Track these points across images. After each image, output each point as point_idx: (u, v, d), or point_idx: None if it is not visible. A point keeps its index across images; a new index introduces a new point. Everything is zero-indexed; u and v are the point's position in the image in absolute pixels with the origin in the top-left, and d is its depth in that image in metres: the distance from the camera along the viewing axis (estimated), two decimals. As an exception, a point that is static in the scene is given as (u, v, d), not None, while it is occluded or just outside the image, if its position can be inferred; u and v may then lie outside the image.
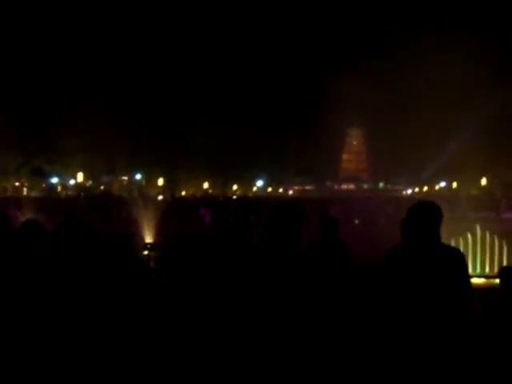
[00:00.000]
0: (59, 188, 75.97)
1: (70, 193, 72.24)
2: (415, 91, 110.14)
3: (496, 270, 12.69)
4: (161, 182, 74.86)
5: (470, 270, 11.18)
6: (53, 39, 78.89)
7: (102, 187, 73.20)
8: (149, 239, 20.93)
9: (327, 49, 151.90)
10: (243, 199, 51.52)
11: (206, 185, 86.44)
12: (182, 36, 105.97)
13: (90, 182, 66.54)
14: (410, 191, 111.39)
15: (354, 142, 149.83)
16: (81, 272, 4.14)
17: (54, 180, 73.88)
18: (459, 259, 4.69)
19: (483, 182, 69.25)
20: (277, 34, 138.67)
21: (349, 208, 36.59)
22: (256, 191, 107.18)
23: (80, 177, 59.45)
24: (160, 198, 57.40)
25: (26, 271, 5.03)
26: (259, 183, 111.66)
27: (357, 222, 33.56)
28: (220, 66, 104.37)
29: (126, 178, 79.97)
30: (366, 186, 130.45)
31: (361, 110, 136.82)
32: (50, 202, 43.96)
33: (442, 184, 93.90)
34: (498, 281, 6.65)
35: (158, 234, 22.10)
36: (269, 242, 4.53)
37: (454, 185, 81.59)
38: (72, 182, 73.56)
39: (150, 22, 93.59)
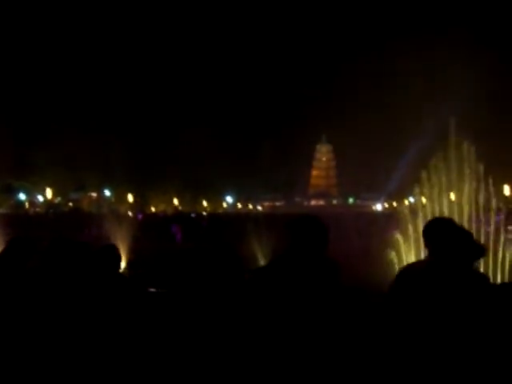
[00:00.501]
0: (27, 205, 75.17)
1: (37, 209, 71.43)
2: (385, 107, 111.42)
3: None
4: (130, 198, 74.37)
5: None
6: (22, 53, 78.34)
7: (70, 204, 72.50)
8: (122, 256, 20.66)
9: (296, 67, 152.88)
10: (216, 216, 51.47)
11: (175, 201, 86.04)
12: (146, 61, 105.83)
13: (58, 199, 65.81)
14: (379, 206, 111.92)
15: (324, 158, 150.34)
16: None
17: (22, 196, 73.09)
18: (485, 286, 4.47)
19: (452, 197, 69.76)
20: (246, 52, 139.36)
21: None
22: (226, 208, 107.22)
23: (49, 193, 58.72)
24: (130, 214, 57.03)
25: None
26: (229, 199, 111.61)
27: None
28: (189, 81, 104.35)
29: (94, 194, 79.34)
30: (335, 202, 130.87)
31: (330, 125, 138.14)
32: (18, 218, 43.51)
33: (411, 199, 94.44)
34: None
35: (131, 251, 21.92)
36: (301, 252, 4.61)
37: (423, 200, 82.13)
38: (40, 198, 72.81)
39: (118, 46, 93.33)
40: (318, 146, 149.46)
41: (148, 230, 33.32)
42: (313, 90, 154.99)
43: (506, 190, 56.42)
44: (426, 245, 4.72)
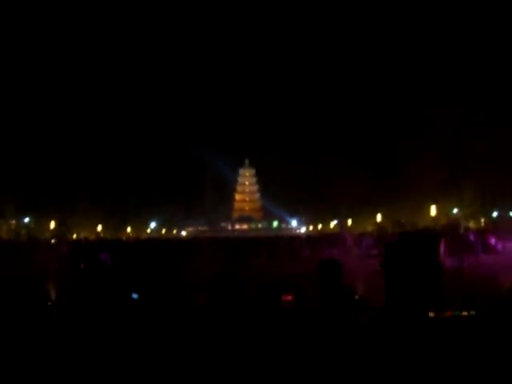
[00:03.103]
0: None
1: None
2: (308, 129, 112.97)
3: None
4: (52, 224, 72.23)
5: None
6: None
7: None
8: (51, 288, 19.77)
9: (219, 91, 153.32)
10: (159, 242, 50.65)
11: (99, 227, 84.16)
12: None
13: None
14: (303, 230, 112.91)
15: (246, 182, 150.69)
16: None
17: None
18: None
19: (378, 218, 70.99)
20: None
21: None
22: (150, 233, 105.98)
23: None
24: (53, 241, 55.31)
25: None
26: (152, 225, 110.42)
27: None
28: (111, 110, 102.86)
29: (13, 221, 76.77)
30: (260, 226, 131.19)
31: (253, 150, 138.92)
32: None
33: (335, 222, 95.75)
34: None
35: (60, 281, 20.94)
36: None
37: (349, 222, 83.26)
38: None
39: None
40: (241, 170, 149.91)
41: (76, 259, 32.21)
42: (235, 114, 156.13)
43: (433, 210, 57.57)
44: None
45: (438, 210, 56.97)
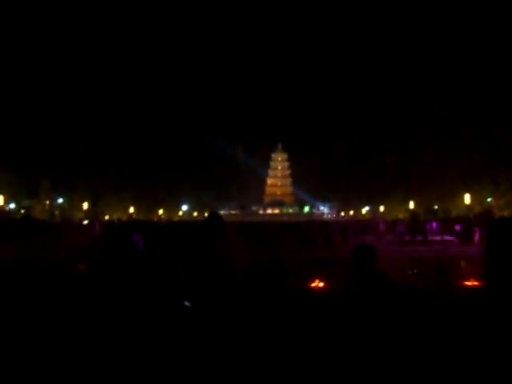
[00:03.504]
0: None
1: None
2: (341, 116, 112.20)
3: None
4: (85, 205, 72.80)
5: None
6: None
7: (22, 211, 70.63)
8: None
9: (255, 78, 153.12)
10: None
11: (131, 209, 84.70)
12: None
13: (11, 206, 63.96)
14: (334, 216, 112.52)
15: (279, 167, 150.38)
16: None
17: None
18: None
19: (411, 205, 70.37)
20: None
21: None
22: (182, 215, 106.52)
23: (0, 200, 56.87)
24: (85, 222, 55.74)
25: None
26: (184, 208, 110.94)
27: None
28: (146, 92, 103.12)
29: (47, 201, 77.48)
30: (291, 211, 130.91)
31: (286, 134, 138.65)
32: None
33: (367, 208, 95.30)
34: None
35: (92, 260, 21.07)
36: None
37: (381, 208, 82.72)
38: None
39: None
40: (274, 155, 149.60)
41: (108, 239, 32.38)
42: (269, 99, 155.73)
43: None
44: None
45: (472, 198, 56.14)
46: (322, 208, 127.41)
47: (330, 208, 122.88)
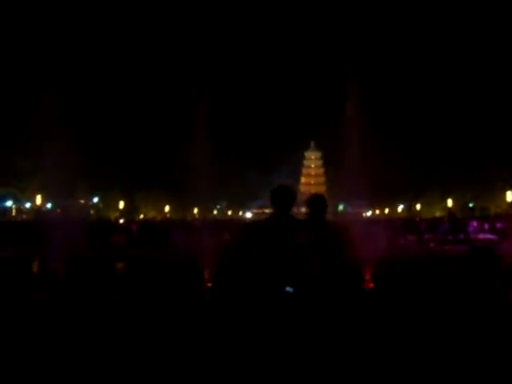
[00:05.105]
0: (13, 211, 73.66)
1: (24, 216, 69.88)
2: (373, 111, 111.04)
3: None
4: (121, 205, 73.07)
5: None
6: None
7: (59, 210, 71.23)
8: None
9: (287, 75, 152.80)
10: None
11: (167, 208, 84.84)
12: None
13: (48, 205, 64.47)
14: (369, 213, 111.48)
15: (312, 165, 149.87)
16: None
17: (9, 203, 71.62)
18: None
19: (449, 203, 69.36)
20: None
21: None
22: (216, 214, 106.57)
23: (38, 200, 57.36)
24: (121, 221, 55.96)
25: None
26: (219, 206, 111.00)
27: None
28: (171, 88, 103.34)
29: (83, 201, 78.05)
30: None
31: (318, 131, 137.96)
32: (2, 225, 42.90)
33: (401, 206, 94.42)
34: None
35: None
36: None
37: (418, 206, 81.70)
38: (28, 205, 71.40)
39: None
40: (307, 153, 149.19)
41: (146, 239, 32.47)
42: (302, 96, 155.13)
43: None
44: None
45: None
46: (357, 206, 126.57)
47: (366, 206, 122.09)
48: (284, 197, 6.82)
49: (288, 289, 5.97)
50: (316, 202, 6.79)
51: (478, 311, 5.24)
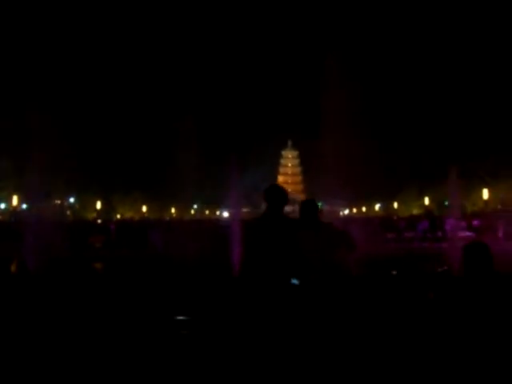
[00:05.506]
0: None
1: (0, 217, 69.26)
2: (351, 111, 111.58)
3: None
4: (99, 205, 72.59)
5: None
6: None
7: (34, 211, 70.49)
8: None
9: (262, 73, 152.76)
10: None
11: (144, 208, 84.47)
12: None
13: (23, 206, 63.93)
14: (347, 212, 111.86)
15: (289, 164, 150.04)
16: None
17: (-17, 204, 71.00)
18: None
19: (426, 201, 69.83)
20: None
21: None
22: (193, 214, 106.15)
23: (14, 200, 56.94)
24: (99, 221, 55.65)
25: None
26: (195, 206, 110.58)
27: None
28: (150, 87, 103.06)
29: (59, 201, 77.41)
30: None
31: (295, 130, 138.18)
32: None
33: (378, 205, 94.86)
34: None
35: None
36: None
37: (395, 205, 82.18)
38: (3, 205, 70.76)
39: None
40: (284, 152, 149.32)
41: (125, 238, 32.30)
42: (277, 96, 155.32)
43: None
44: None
45: (490, 193, 55.48)
46: (334, 204, 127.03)
47: (343, 205, 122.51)
48: (278, 196, 7.21)
49: (294, 281, 6.65)
50: (309, 205, 7.30)
51: (474, 311, 5.22)
